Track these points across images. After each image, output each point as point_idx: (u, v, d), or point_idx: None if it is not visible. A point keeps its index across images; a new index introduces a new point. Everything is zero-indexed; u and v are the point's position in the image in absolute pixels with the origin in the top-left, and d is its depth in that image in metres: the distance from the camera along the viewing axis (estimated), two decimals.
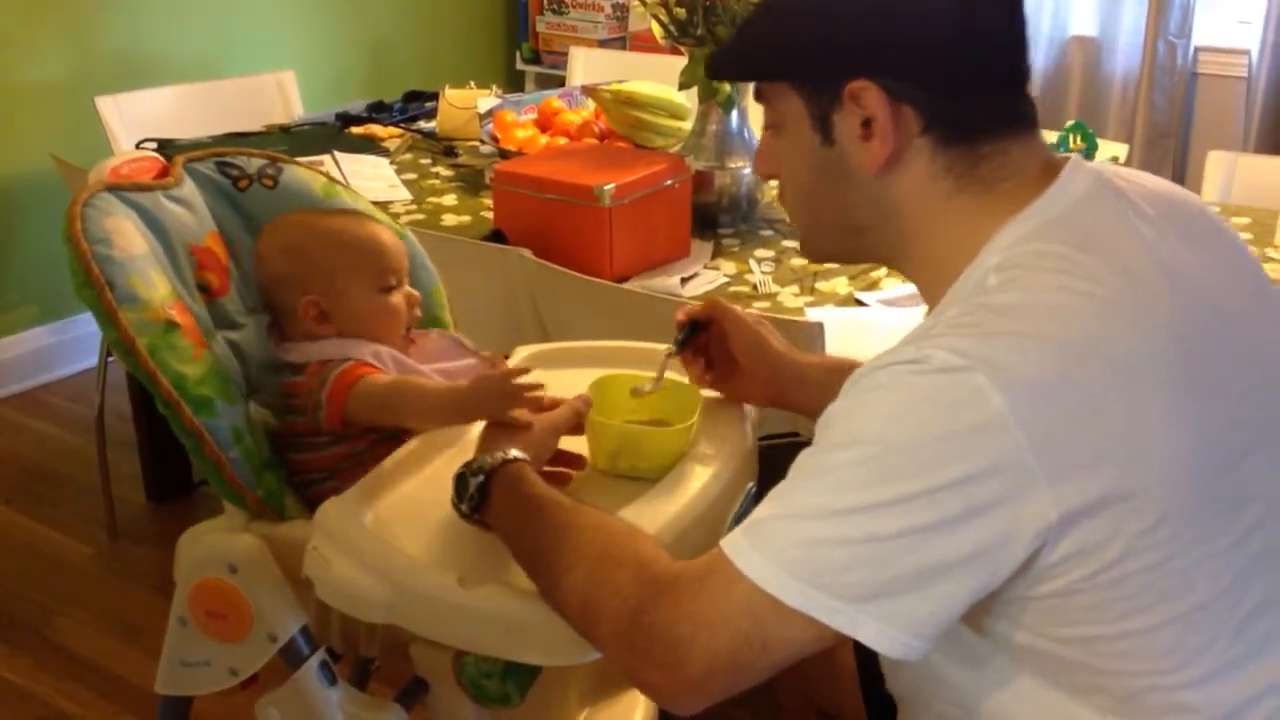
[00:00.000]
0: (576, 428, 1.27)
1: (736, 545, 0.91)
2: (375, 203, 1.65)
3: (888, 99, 0.96)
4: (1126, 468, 0.87)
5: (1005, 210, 0.96)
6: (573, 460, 1.28)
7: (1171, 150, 3.51)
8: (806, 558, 0.88)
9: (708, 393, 1.36)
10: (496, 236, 1.98)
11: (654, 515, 1.16)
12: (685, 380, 1.36)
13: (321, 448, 1.37)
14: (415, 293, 1.44)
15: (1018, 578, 0.89)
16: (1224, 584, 0.91)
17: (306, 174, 1.57)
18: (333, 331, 1.39)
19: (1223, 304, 0.97)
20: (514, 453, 1.15)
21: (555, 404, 1.26)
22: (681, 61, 2.15)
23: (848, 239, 1.06)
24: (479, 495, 1.13)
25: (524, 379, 1.22)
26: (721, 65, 1.09)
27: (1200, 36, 3.48)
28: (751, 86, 1.09)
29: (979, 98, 0.98)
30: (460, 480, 1.15)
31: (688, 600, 0.92)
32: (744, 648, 0.90)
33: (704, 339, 1.35)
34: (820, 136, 1.01)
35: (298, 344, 1.40)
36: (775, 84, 1.03)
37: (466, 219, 2.20)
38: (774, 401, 1.35)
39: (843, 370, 1.27)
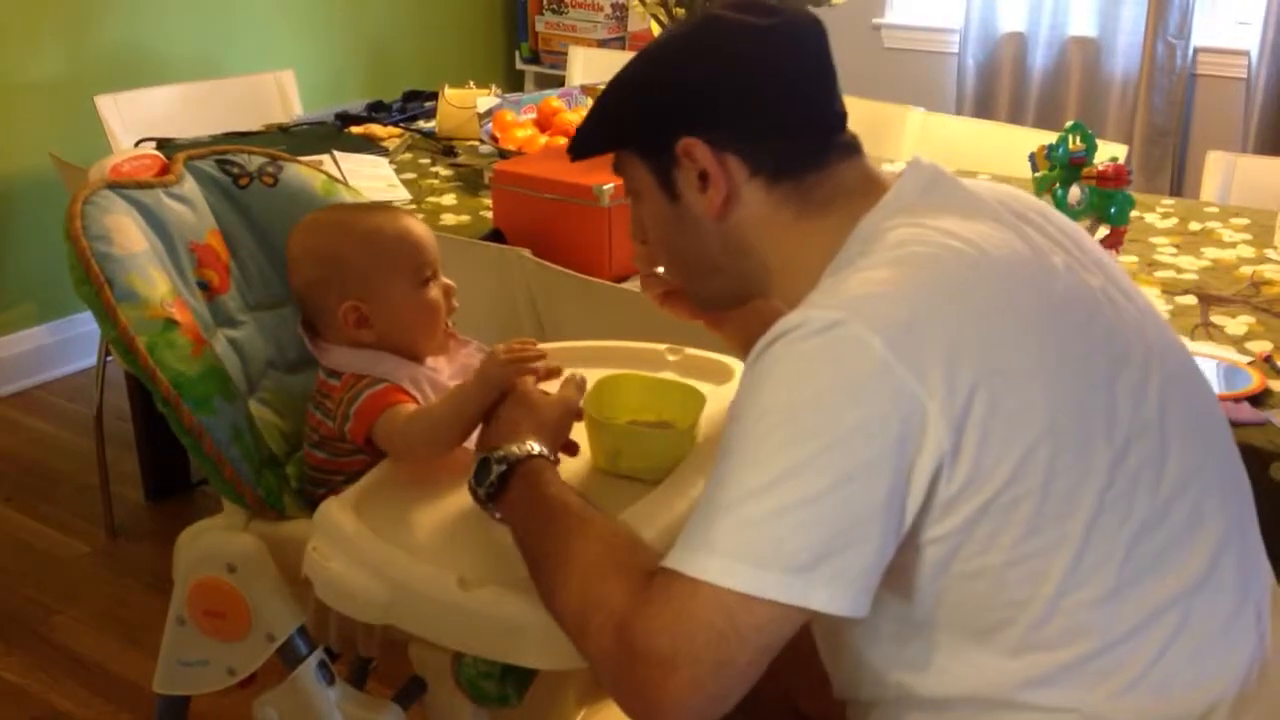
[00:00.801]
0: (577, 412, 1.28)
1: (679, 556, 0.94)
2: None
3: (712, 151, 1.07)
4: (1000, 385, 0.93)
5: (849, 219, 1.05)
6: (567, 445, 1.28)
7: (1170, 151, 3.51)
8: (743, 540, 0.91)
9: (709, 394, 1.35)
10: (495, 236, 1.98)
11: (654, 517, 1.16)
12: (690, 383, 1.36)
13: (341, 453, 1.36)
14: (451, 283, 1.40)
15: (924, 517, 0.94)
16: (1108, 501, 0.96)
17: (306, 172, 1.57)
18: (373, 336, 1.35)
19: (1067, 257, 1.06)
20: (538, 448, 1.16)
21: (554, 371, 1.29)
22: None
23: (714, 279, 1.16)
24: (499, 483, 1.14)
25: (523, 354, 1.25)
26: (577, 145, 1.19)
27: (1199, 37, 3.48)
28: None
29: (795, 139, 1.08)
30: (483, 464, 1.15)
31: (657, 612, 0.93)
32: (722, 643, 0.91)
33: None
34: (667, 195, 1.11)
35: (337, 349, 1.37)
36: (624, 155, 1.14)
37: (466, 218, 2.20)
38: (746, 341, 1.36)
39: None
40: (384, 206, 1.47)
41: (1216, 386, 1.51)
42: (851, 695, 1.12)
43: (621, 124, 1.14)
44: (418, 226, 1.40)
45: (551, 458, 1.18)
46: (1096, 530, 0.96)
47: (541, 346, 1.55)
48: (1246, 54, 3.41)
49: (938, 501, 0.94)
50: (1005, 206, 1.08)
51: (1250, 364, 1.59)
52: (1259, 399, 1.50)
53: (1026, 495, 0.94)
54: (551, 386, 1.29)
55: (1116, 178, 1.91)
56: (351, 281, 1.35)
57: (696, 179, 1.08)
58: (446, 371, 1.39)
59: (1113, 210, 1.89)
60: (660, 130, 1.09)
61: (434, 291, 1.38)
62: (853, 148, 1.11)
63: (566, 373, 1.30)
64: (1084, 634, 0.97)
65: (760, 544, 0.91)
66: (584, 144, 1.19)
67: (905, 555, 0.97)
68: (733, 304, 1.23)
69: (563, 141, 2.47)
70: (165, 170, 1.46)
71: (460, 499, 1.20)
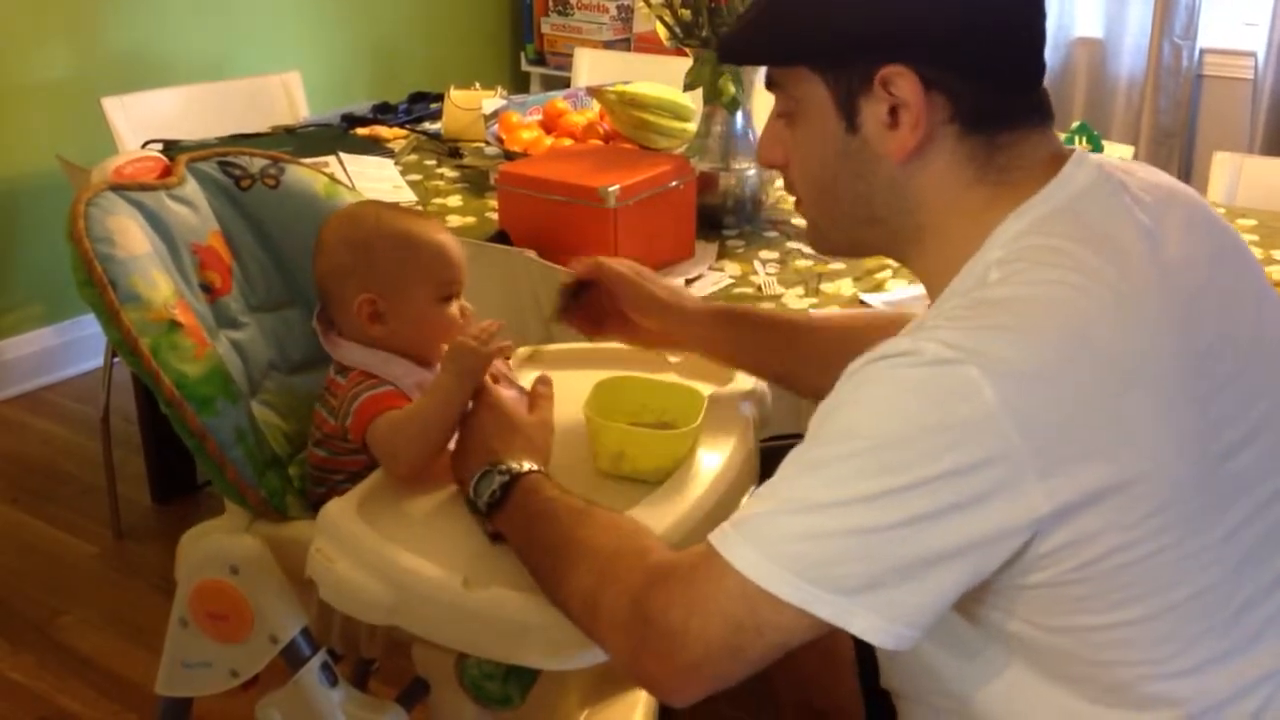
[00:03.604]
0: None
1: (726, 538, 0.92)
2: None
3: (922, 86, 0.95)
4: (1119, 461, 0.87)
5: (1011, 201, 0.96)
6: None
7: (1177, 152, 3.50)
8: (797, 551, 0.88)
9: (710, 394, 1.35)
10: (501, 238, 1.98)
11: (657, 518, 1.16)
12: (691, 384, 1.36)
13: (341, 452, 1.36)
14: (468, 306, 1.39)
15: (1010, 567, 0.89)
16: (1217, 576, 0.91)
17: (308, 174, 1.57)
18: (384, 333, 1.35)
19: (1218, 294, 0.97)
20: (534, 466, 1.16)
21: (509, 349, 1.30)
22: (686, 63, 2.15)
23: (862, 229, 1.04)
24: (500, 494, 1.13)
25: (491, 336, 1.25)
26: (738, 48, 1.06)
27: (1206, 38, 3.47)
28: (762, 75, 1.07)
29: (1005, 86, 0.97)
30: (485, 476, 1.15)
31: (681, 588, 0.92)
32: (738, 633, 0.90)
33: (590, 299, 1.41)
34: (845, 124, 0.98)
35: (350, 345, 1.37)
36: (795, 69, 1.00)
37: (471, 220, 2.20)
38: (670, 346, 1.44)
39: (727, 319, 1.38)
40: (427, 215, 1.46)
41: None
42: (904, 693, 1.09)
43: (810, 35, 0.98)
44: (453, 243, 1.39)
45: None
46: (1198, 604, 0.91)
47: (546, 348, 1.56)
48: (1253, 55, 3.40)
49: (1029, 555, 0.88)
50: (1154, 198, 0.99)
51: None
52: None
53: (1128, 565, 0.88)
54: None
55: None
56: (377, 275, 1.35)
57: (887, 113, 0.96)
58: None
59: None
60: (862, 51, 0.95)
61: (453, 308, 1.37)
62: (1045, 111, 1.00)
63: (533, 380, 1.29)
64: (1168, 703, 0.93)
65: (810, 558, 0.88)
66: (747, 49, 1.06)
67: (983, 600, 0.93)
68: (867, 255, 1.13)
69: (568, 143, 2.47)
70: (167, 172, 1.46)
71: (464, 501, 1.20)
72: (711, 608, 0.90)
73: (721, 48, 1.08)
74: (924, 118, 0.95)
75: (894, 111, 0.96)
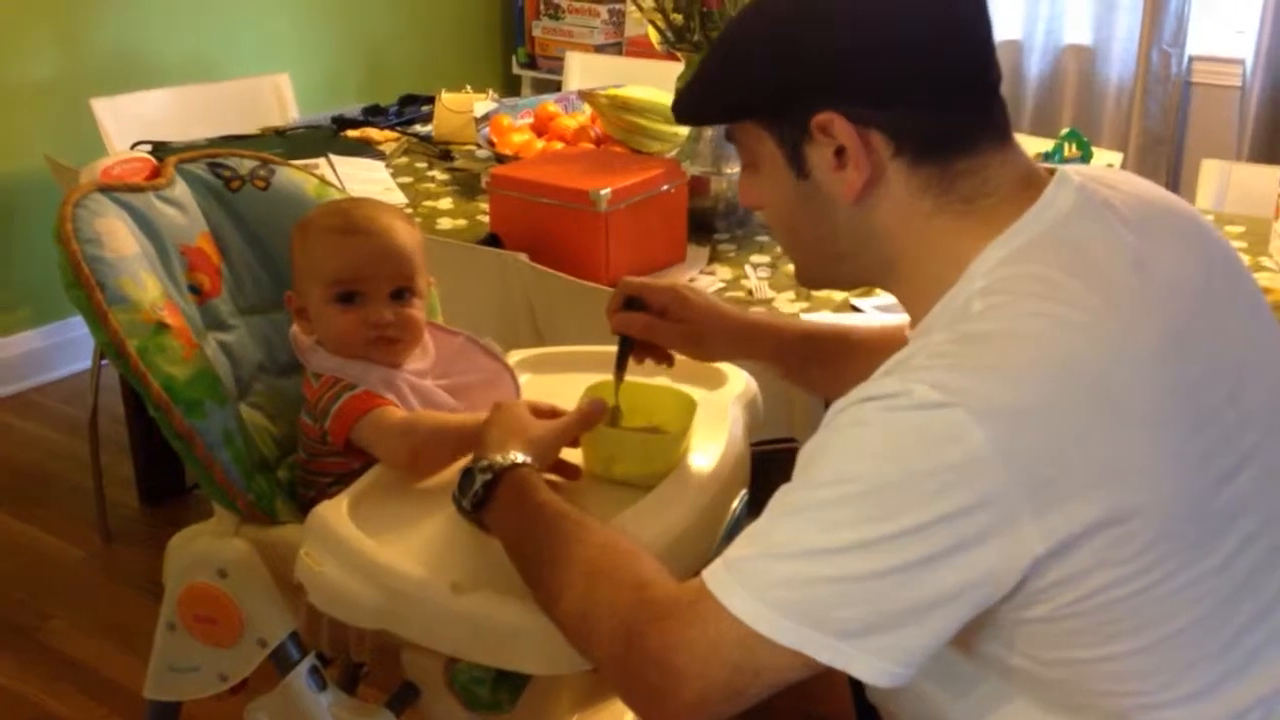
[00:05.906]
0: (575, 440, 1.26)
1: (722, 582, 0.91)
2: None
3: (854, 127, 0.96)
4: (1112, 497, 0.86)
5: (987, 228, 0.95)
6: (568, 470, 1.27)
7: (1165, 159, 3.51)
8: (793, 597, 0.88)
9: (701, 399, 1.35)
10: (492, 240, 1.98)
11: (648, 523, 1.16)
12: (682, 388, 1.36)
13: (325, 455, 1.36)
14: (390, 315, 1.34)
15: (1008, 601, 0.89)
16: (1211, 606, 0.91)
17: (299, 175, 1.57)
18: (309, 328, 1.38)
19: (1210, 319, 0.96)
20: (522, 457, 1.14)
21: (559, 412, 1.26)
22: (678, 67, 2.15)
23: (836, 265, 1.06)
24: (484, 492, 1.12)
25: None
26: (686, 110, 1.09)
27: (1195, 45, 3.48)
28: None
29: (945, 113, 0.97)
30: (466, 475, 1.14)
31: (679, 629, 0.92)
32: (736, 676, 0.90)
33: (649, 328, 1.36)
34: (795, 171, 1.01)
35: (314, 351, 1.37)
36: (743, 125, 1.04)
37: (462, 223, 2.20)
38: (737, 357, 1.42)
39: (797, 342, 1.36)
40: (371, 216, 1.38)
41: None
42: (894, 713, 1.09)
43: (745, 93, 1.01)
44: (362, 246, 1.34)
45: (539, 469, 1.16)
46: (1193, 634, 0.91)
47: (537, 352, 1.56)
48: (1241, 62, 3.41)
49: (1025, 591, 0.88)
50: (1142, 216, 0.97)
51: None
52: None
53: (1124, 598, 0.88)
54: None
55: None
56: (294, 271, 1.39)
57: (832, 156, 0.97)
58: (431, 373, 1.39)
59: None
60: (793, 102, 0.98)
61: (351, 314, 1.34)
62: (1002, 129, 0.99)
63: (589, 398, 1.27)
64: None
65: (806, 603, 0.88)
66: (698, 112, 1.09)
67: (978, 633, 0.93)
68: (851, 288, 1.15)
69: (559, 147, 2.47)
70: (156, 173, 1.46)
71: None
72: (709, 651, 0.90)
73: (674, 109, 1.10)
74: (864, 157, 0.97)
75: (840, 153, 0.97)
